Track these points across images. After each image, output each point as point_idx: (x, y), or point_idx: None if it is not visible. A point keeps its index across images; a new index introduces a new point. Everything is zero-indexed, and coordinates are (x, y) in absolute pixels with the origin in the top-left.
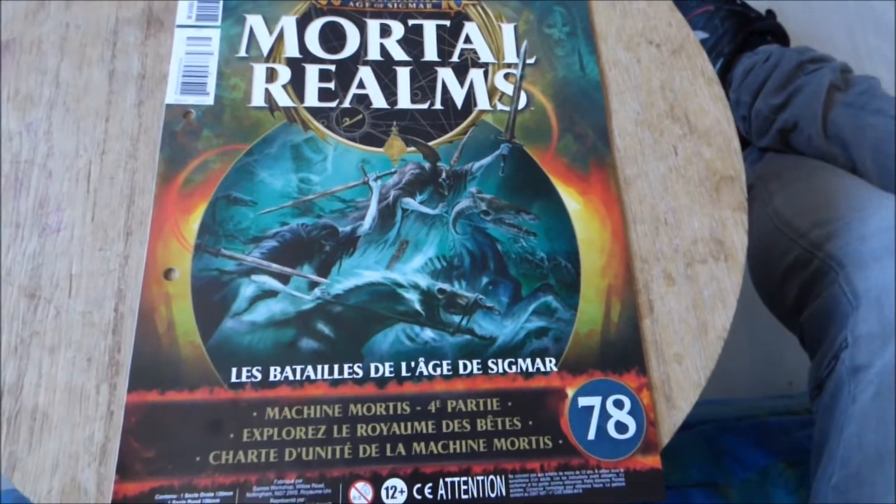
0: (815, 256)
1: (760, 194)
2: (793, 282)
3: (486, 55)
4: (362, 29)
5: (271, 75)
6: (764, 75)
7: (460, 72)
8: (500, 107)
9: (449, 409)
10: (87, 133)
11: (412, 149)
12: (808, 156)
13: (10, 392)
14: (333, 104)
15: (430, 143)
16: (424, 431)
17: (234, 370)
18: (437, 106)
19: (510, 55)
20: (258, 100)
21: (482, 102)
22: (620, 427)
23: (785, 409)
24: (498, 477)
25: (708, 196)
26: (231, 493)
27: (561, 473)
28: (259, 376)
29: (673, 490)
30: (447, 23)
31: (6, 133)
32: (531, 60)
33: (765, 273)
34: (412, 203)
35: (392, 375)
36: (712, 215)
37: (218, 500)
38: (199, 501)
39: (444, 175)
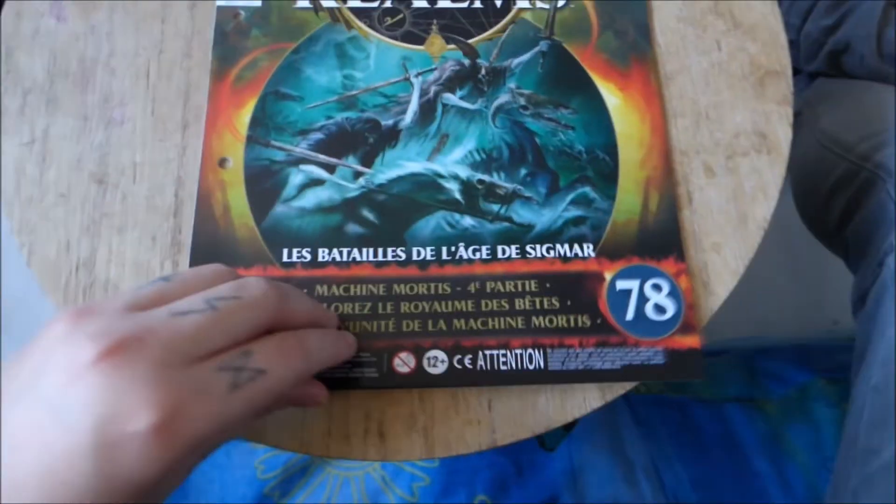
0: (864, 168)
1: (807, 119)
2: (839, 197)
3: None
4: None
5: None
6: None
7: None
8: (539, 5)
9: (488, 290)
10: (145, 34)
11: (452, 46)
12: (859, 78)
13: (85, 265)
14: (375, 4)
15: (470, 41)
16: (464, 310)
17: (285, 251)
18: (477, 4)
19: None
20: (303, 1)
21: (522, 0)
22: (658, 309)
23: (828, 338)
24: (536, 350)
25: (752, 90)
26: None
27: (600, 349)
28: (308, 257)
29: (707, 404)
30: None
31: (73, 34)
32: None
33: (810, 194)
34: (452, 98)
35: (433, 259)
36: (755, 109)
37: None
38: None
39: (483, 71)
